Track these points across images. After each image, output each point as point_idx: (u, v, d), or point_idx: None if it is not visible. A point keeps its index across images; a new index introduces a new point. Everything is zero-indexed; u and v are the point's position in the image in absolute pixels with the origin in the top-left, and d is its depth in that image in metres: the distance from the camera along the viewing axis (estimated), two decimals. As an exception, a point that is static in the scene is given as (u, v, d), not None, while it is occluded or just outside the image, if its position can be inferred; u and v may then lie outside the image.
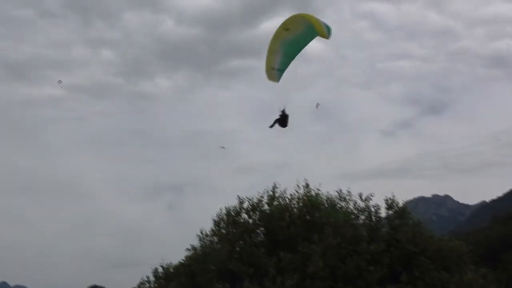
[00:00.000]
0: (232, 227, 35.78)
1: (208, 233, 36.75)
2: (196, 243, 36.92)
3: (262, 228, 35.91)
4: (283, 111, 25.49)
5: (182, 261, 37.80)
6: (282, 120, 25.55)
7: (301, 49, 24.43)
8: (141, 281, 40.09)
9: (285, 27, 23.68)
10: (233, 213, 36.21)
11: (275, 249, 33.74)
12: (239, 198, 36.58)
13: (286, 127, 25.75)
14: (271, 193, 36.51)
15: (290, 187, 36.93)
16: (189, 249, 37.26)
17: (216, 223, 36.57)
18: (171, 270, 38.20)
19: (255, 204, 36.23)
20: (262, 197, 36.40)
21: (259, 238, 35.76)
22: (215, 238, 36.38)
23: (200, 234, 36.88)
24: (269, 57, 24.50)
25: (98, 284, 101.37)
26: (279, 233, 34.63)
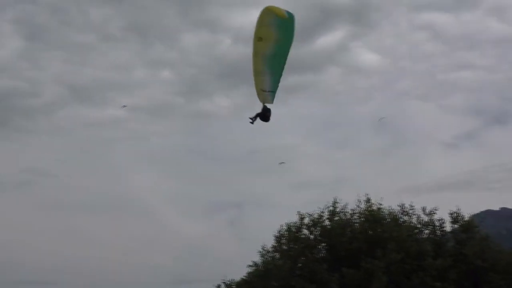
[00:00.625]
0: (293, 243, 35.73)
1: (270, 249, 36.82)
2: (258, 259, 37.08)
3: (323, 244, 35.67)
4: (265, 107, 24.38)
5: (245, 278, 38.00)
6: (264, 114, 24.63)
7: (285, 62, 23.41)
8: (205, 297, 40.58)
9: (257, 36, 22.58)
10: (294, 229, 36.17)
11: (337, 264, 33.42)
12: (299, 214, 36.57)
13: (268, 122, 24.49)
14: (331, 208, 36.27)
15: (350, 202, 36.63)
16: (251, 266, 37.43)
17: (277, 239, 36.60)
18: (234, 286, 38.48)
19: (315, 219, 36.07)
20: (322, 212, 36.24)
21: (320, 254, 35.53)
22: (277, 254, 36.38)
23: (261, 250, 37.00)
24: (257, 78, 23.20)
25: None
26: (341, 249, 34.30)
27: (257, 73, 22.75)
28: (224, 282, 38.98)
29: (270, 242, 36.87)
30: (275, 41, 21.93)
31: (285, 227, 36.58)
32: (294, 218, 36.57)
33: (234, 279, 38.78)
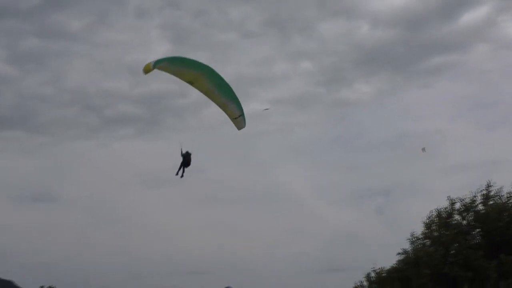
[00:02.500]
0: (444, 229, 34.40)
1: (420, 236, 35.81)
2: (408, 246, 36.25)
3: (477, 230, 33.92)
4: (184, 154, 25.88)
5: (395, 265, 37.38)
6: (185, 162, 26.07)
7: (226, 82, 24.65)
8: (355, 285, 40.64)
9: (188, 82, 23.88)
10: (444, 215, 34.81)
11: (494, 251, 31.61)
12: (449, 199, 35.08)
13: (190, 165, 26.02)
14: (485, 192, 34.32)
15: (506, 185, 34.34)
16: (400, 253, 36.71)
17: (427, 226, 35.47)
18: (384, 274, 38.02)
19: (467, 204, 34.38)
20: (475, 197, 34.41)
21: (475, 240, 33.82)
22: (427, 241, 35.28)
23: (411, 237, 36.11)
24: (226, 111, 25.25)
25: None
26: (497, 234, 32.37)
27: (223, 107, 24.67)
28: (374, 270, 38.70)
29: (419, 229, 35.89)
30: (202, 76, 23.72)
31: (435, 213, 35.34)
32: (444, 204, 35.21)
33: (384, 267, 38.36)
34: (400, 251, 36.66)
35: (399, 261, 36.96)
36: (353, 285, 40.69)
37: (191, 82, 24.30)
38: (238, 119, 26.17)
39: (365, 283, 39.67)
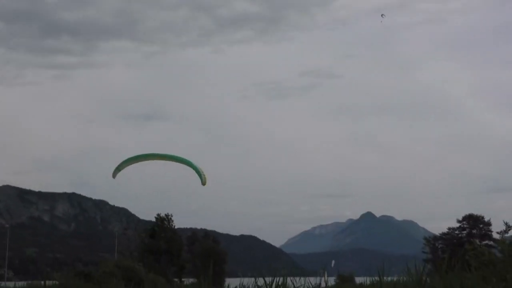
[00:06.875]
0: None
1: None
2: None
3: None
4: None
5: None
6: None
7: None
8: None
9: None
10: None
11: None
12: None
13: None
14: None
15: None
16: None
17: None
18: None
19: None
20: None
21: None
22: None
23: None
24: (191, 166, 38.16)
25: (474, 212, 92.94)
26: None
27: (187, 164, 37.78)
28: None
29: None
30: (158, 157, 38.55)
31: None
32: None
33: None
34: None
35: None
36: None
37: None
38: (203, 175, 35.74)
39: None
